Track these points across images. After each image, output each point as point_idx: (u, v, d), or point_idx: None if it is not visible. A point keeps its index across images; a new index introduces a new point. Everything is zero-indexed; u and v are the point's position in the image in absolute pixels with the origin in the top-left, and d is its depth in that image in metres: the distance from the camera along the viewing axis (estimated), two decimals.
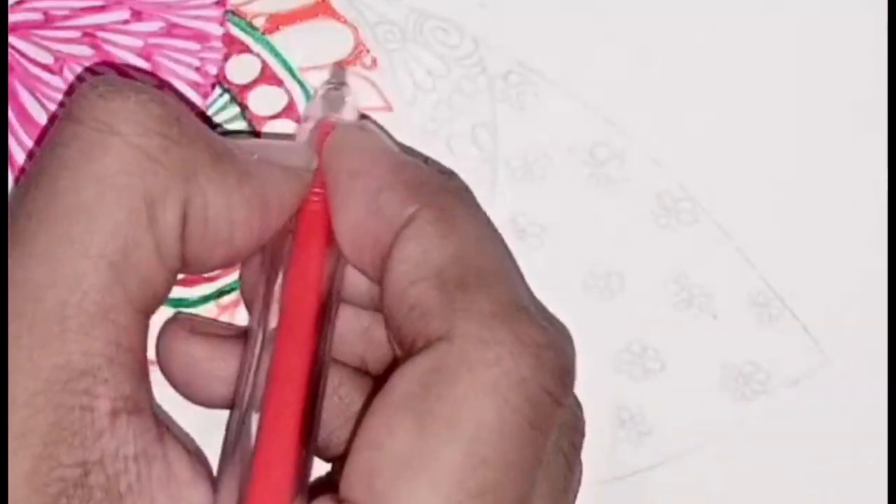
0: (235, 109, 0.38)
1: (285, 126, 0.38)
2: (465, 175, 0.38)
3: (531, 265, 0.38)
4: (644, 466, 0.38)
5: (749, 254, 0.38)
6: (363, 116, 0.37)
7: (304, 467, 0.30)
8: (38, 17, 0.38)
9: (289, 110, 0.38)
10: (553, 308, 0.38)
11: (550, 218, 0.38)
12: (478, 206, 0.32)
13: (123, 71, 0.38)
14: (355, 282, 0.33)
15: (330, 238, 0.32)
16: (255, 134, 0.38)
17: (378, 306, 0.31)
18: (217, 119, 0.38)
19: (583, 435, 0.31)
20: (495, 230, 0.32)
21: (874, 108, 0.38)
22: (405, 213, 0.30)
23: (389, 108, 0.38)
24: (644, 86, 0.38)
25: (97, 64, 0.38)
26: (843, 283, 0.38)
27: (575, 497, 0.31)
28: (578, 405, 0.31)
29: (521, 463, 0.28)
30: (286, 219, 0.32)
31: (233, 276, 0.38)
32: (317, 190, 0.32)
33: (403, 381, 0.28)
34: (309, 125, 0.34)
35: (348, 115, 0.35)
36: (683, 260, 0.38)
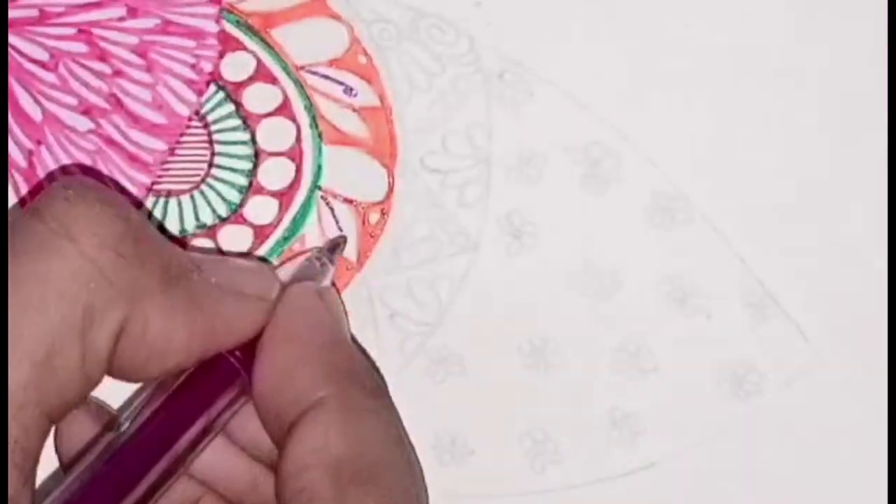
0: (230, 107, 0.38)
1: (280, 124, 0.38)
2: (459, 174, 0.38)
3: (525, 264, 0.38)
4: (638, 466, 0.38)
5: (743, 254, 0.38)
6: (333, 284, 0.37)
7: None
8: (33, 13, 0.38)
9: (283, 108, 0.38)
10: (547, 307, 0.38)
11: (545, 217, 0.38)
12: (389, 405, 0.33)
13: (100, 176, 0.38)
14: (256, 435, 0.33)
15: (231, 386, 0.33)
16: (255, 158, 0.38)
17: (272, 465, 0.33)
18: (211, 117, 0.38)
19: None
20: (398, 428, 0.33)
21: (871, 107, 0.38)
22: (315, 395, 0.31)
23: (384, 107, 0.38)
24: (639, 85, 0.38)
25: (84, 169, 0.38)
26: (836, 283, 0.38)
27: None
28: None
29: None
30: (237, 343, 0.33)
31: None
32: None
33: None
34: (284, 274, 0.35)
35: (319, 281, 0.36)
36: (678, 260, 0.38)
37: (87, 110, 0.38)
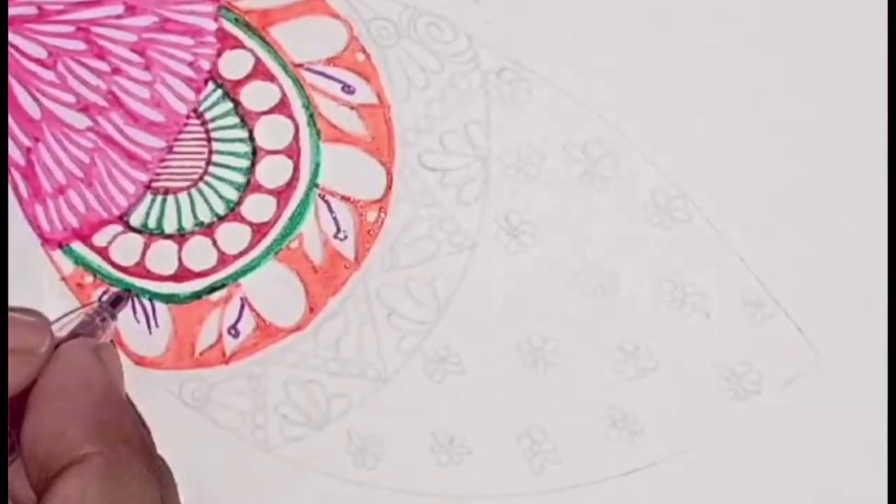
0: (228, 104, 0.38)
1: (278, 122, 0.38)
2: (457, 172, 0.38)
3: (524, 263, 0.38)
4: (636, 466, 0.38)
5: (742, 253, 0.38)
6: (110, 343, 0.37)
7: None
8: (32, 11, 0.38)
9: (281, 106, 0.38)
10: (545, 307, 0.38)
11: (543, 216, 0.38)
12: (155, 468, 0.33)
13: None
14: (23, 492, 0.33)
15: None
16: (253, 156, 0.38)
17: None
18: (209, 114, 0.38)
19: None
20: (165, 492, 0.33)
21: (872, 107, 0.37)
22: (80, 451, 0.31)
23: (383, 105, 0.38)
24: (638, 84, 0.38)
25: None
26: (836, 283, 0.38)
27: None
28: None
29: None
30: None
31: (225, 272, 0.38)
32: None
33: None
34: (66, 324, 0.35)
35: (100, 336, 0.36)
36: (676, 259, 0.38)
37: (85, 108, 0.38)
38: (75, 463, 0.31)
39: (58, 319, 0.36)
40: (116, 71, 0.38)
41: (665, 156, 0.38)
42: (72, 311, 0.37)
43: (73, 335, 0.35)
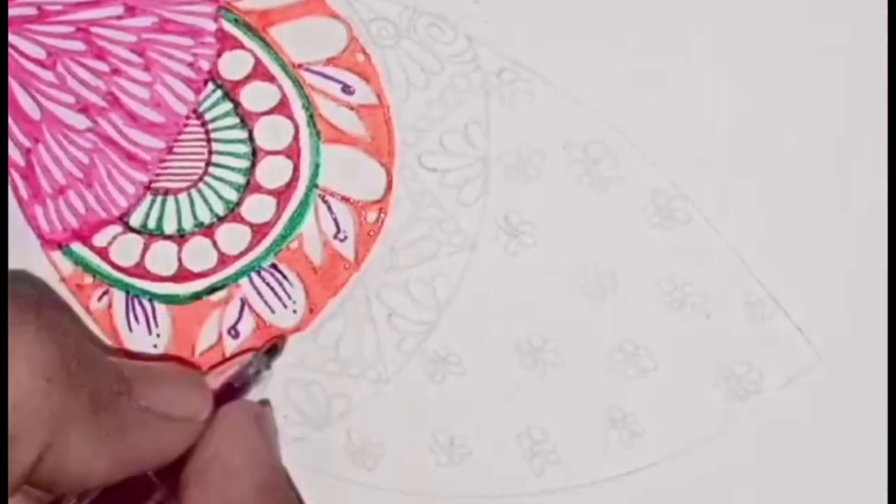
0: (228, 105, 0.38)
1: (278, 122, 0.38)
2: (457, 173, 0.38)
3: (524, 264, 0.38)
4: (636, 467, 0.38)
5: (742, 253, 0.38)
6: (264, 402, 0.37)
7: None
8: (31, 11, 0.38)
9: (281, 106, 0.38)
10: (545, 307, 0.38)
11: (543, 216, 0.38)
12: None
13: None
14: None
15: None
16: (252, 157, 0.38)
17: None
18: (209, 115, 0.38)
19: None
20: None
21: (870, 106, 0.37)
22: None
23: (382, 105, 0.38)
24: (638, 84, 0.38)
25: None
26: (836, 282, 0.38)
27: None
28: None
29: None
30: (162, 464, 0.32)
31: (225, 273, 0.38)
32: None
33: None
34: (216, 380, 0.35)
35: (255, 393, 0.36)
36: (676, 259, 0.38)
37: (84, 108, 0.38)
38: None
39: (210, 370, 0.36)
40: (116, 71, 0.38)
41: (665, 156, 0.38)
42: (226, 361, 0.37)
43: (228, 387, 0.35)
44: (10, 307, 0.29)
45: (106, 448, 0.30)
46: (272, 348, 0.37)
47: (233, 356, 0.38)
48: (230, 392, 0.35)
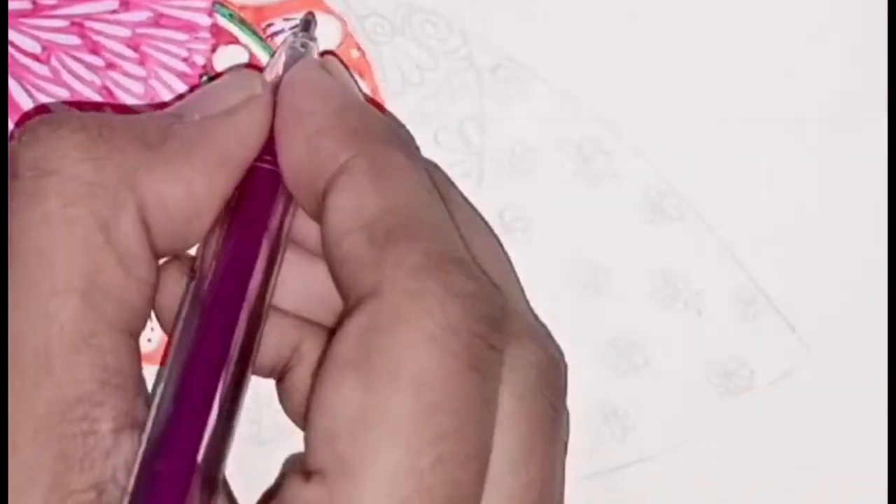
0: None
1: None
2: (452, 169, 0.38)
3: (517, 260, 0.38)
4: (628, 462, 0.38)
5: (735, 250, 0.38)
6: (326, 53, 0.36)
7: (223, 428, 0.30)
8: (26, 5, 0.38)
9: None
10: (538, 302, 0.38)
11: (537, 213, 0.38)
12: (418, 157, 0.32)
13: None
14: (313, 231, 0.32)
15: (277, 189, 0.32)
16: None
17: None
18: None
19: (560, 377, 0.31)
20: (434, 184, 0.31)
21: (868, 100, 0.38)
22: (340, 159, 0.30)
23: (377, 101, 0.38)
24: (632, 81, 0.38)
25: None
26: (828, 279, 0.38)
27: (564, 444, 0.31)
28: (554, 353, 0.31)
29: (471, 405, 0.28)
30: (251, 156, 0.32)
31: None
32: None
33: (343, 343, 0.28)
34: (274, 71, 0.34)
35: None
36: (669, 256, 0.38)
37: (79, 103, 0.38)
38: (339, 174, 0.30)
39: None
40: (110, 66, 0.38)
41: (659, 153, 0.38)
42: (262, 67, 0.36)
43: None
44: (27, 138, 0.30)
45: (191, 173, 0.30)
46: (305, 24, 0.37)
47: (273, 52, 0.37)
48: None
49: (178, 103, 0.33)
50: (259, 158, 0.32)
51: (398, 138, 0.32)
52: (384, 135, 0.31)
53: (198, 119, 0.32)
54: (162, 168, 0.30)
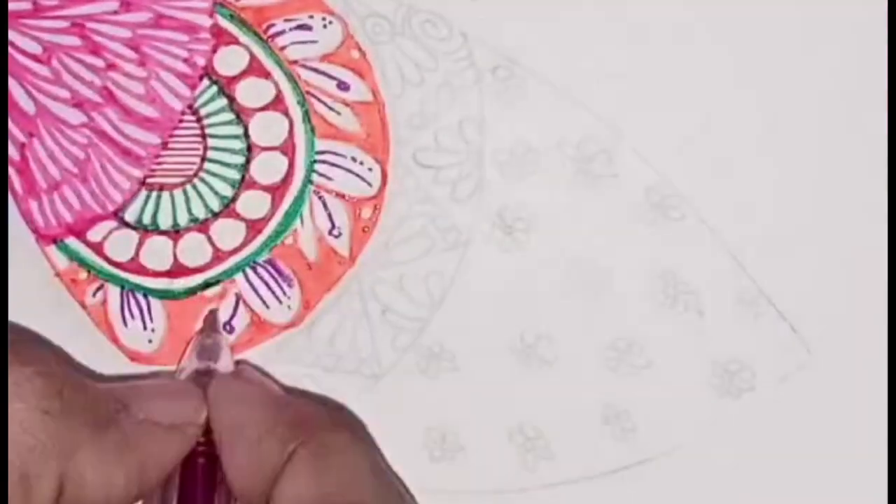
0: (223, 101, 0.38)
1: (273, 118, 0.38)
2: (452, 169, 0.38)
3: (518, 260, 0.38)
4: (629, 463, 0.38)
5: (736, 251, 0.38)
6: (238, 363, 0.37)
7: None
8: (26, 6, 0.38)
9: (276, 103, 0.38)
10: (539, 304, 0.38)
11: (537, 213, 0.38)
12: (363, 440, 0.33)
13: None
14: None
15: (212, 483, 0.33)
16: (247, 152, 0.38)
17: None
18: (204, 111, 0.38)
19: None
20: (377, 463, 0.33)
21: (869, 102, 0.38)
22: (286, 452, 0.31)
23: (377, 102, 0.38)
24: (633, 82, 0.38)
25: None
26: (829, 280, 0.38)
27: None
28: None
29: None
30: (167, 473, 0.33)
31: (220, 268, 0.38)
32: (201, 439, 0.33)
33: None
34: (188, 370, 0.35)
35: (224, 361, 0.36)
36: (670, 257, 0.38)
37: (79, 103, 0.38)
38: (284, 465, 0.31)
39: (179, 365, 0.36)
40: (111, 67, 0.38)
41: (659, 154, 0.38)
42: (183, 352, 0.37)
43: (201, 373, 0.35)
44: None
45: (119, 464, 0.31)
46: (211, 321, 0.38)
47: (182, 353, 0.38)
48: (206, 375, 0.35)
49: (128, 388, 0.33)
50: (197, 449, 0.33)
51: (339, 423, 0.33)
52: (326, 420, 0.33)
53: (142, 419, 0.32)
54: (96, 456, 0.31)
